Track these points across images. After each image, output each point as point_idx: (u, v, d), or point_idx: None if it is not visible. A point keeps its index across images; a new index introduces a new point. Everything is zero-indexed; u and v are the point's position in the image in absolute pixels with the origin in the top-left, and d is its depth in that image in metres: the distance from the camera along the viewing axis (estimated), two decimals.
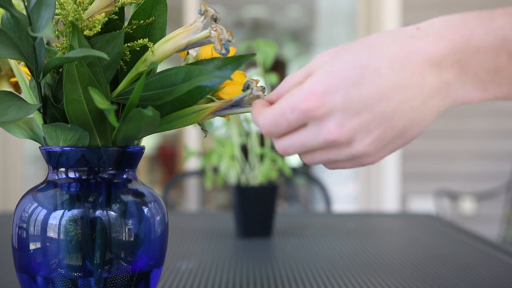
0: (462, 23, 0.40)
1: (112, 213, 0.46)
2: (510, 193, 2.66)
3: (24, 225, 0.46)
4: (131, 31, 0.48)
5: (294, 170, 1.64)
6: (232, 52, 0.52)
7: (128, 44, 0.47)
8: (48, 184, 0.48)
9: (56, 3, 0.43)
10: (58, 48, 0.46)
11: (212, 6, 0.47)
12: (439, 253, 0.85)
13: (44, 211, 0.46)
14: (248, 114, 0.98)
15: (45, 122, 0.47)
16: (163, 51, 0.47)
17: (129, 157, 0.49)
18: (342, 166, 0.44)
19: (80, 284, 0.46)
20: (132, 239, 0.47)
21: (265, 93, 0.48)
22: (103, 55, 0.40)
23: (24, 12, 0.44)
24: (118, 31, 0.46)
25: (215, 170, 1.15)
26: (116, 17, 0.46)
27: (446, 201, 2.72)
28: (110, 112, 0.41)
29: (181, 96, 0.45)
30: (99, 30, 0.44)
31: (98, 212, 0.46)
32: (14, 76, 0.53)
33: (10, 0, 0.41)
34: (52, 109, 0.46)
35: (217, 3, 4.15)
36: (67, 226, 0.45)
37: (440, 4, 2.69)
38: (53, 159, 0.47)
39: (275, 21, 5.15)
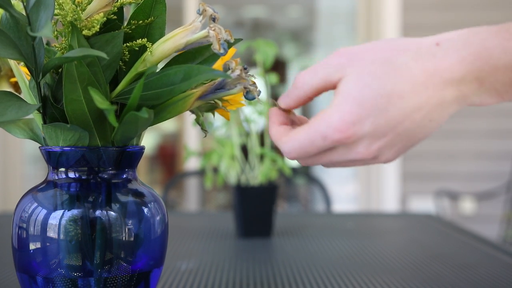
0: (481, 41, 0.42)
1: (112, 213, 0.46)
2: (510, 193, 2.66)
3: (24, 225, 0.46)
4: (130, 31, 0.48)
5: (294, 170, 1.64)
6: (232, 52, 0.52)
7: (127, 44, 0.47)
8: (48, 184, 0.48)
9: (55, 3, 0.43)
10: (57, 48, 0.46)
11: (211, 6, 0.47)
12: (439, 253, 0.85)
13: (44, 211, 0.46)
14: (248, 114, 0.98)
15: (44, 122, 0.47)
16: (162, 51, 0.47)
17: (129, 157, 0.49)
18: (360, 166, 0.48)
19: (80, 284, 0.46)
20: (132, 239, 0.47)
21: (247, 72, 0.48)
22: (103, 54, 0.40)
23: (23, 12, 0.44)
24: (117, 31, 0.46)
25: (215, 170, 1.15)
26: (115, 17, 0.46)
27: (446, 201, 2.72)
28: (110, 113, 0.41)
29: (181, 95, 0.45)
30: (98, 30, 0.44)
31: (98, 212, 0.46)
32: (13, 76, 0.53)
33: (9, 0, 0.41)
34: (52, 109, 0.46)
35: (217, 3, 4.15)
36: (67, 226, 0.45)
37: (440, 4, 2.69)
38: (53, 159, 0.47)
39: (275, 21, 5.15)
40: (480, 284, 0.67)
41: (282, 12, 4.87)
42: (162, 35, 0.48)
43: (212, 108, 0.52)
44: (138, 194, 0.49)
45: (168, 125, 5.33)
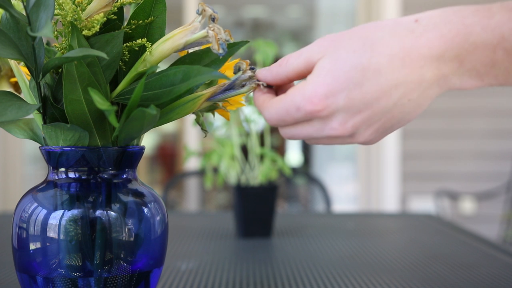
0: (460, 19, 0.41)
1: (112, 213, 0.46)
2: (510, 193, 2.66)
3: (24, 225, 0.46)
4: (130, 31, 0.48)
5: (294, 170, 1.64)
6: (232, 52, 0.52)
7: (127, 44, 0.47)
8: (48, 184, 0.48)
9: (55, 3, 0.43)
10: (57, 48, 0.46)
11: (210, 6, 0.47)
12: (439, 253, 0.85)
13: (44, 211, 0.46)
14: (248, 114, 0.98)
15: (44, 122, 0.47)
16: (161, 51, 0.47)
17: (129, 157, 0.49)
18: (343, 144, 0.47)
19: (80, 284, 0.46)
20: (132, 239, 0.47)
21: (254, 72, 0.48)
22: (103, 54, 0.40)
23: (23, 12, 0.44)
24: (117, 31, 0.46)
25: (215, 170, 1.15)
26: (115, 17, 0.46)
27: (446, 201, 2.72)
28: (110, 113, 0.41)
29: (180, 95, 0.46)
30: (98, 30, 0.44)
31: (98, 212, 0.46)
32: (14, 76, 0.53)
33: (9, 0, 0.41)
34: (52, 109, 0.46)
35: (217, 3, 4.15)
36: (67, 226, 0.45)
37: (440, 4, 2.69)
38: (53, 159, 0.48)
39: (275, 21, 5.15)
40: (480, 284, 0.67)
41: (282, 12, 4.87)
42: (162, 35, 0.48)
43: (212, 108, 0.52)
44: (138, 194, 0.49)
45: (168, 125, 5.33)
